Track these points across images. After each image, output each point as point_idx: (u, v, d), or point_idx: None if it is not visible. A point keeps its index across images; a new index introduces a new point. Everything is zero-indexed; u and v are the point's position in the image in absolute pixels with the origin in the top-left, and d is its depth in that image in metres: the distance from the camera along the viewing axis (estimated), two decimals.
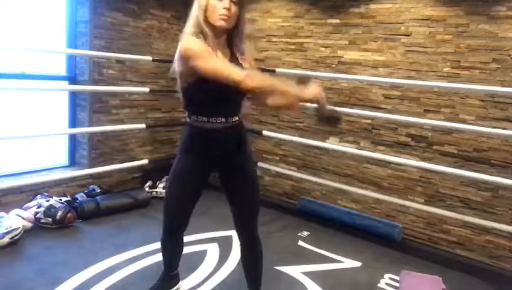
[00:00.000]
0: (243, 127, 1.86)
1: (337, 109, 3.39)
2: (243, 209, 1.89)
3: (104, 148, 3.69)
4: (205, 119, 1.73)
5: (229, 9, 1.62)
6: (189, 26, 1.68)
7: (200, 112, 1.74)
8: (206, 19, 1.65)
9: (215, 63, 1.58)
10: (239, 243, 1.99)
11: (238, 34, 1.72)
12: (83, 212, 3.11)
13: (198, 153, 1.80)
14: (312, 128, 3.80)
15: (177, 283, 2.23)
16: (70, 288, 2.20)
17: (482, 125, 2.87)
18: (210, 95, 1.68)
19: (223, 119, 1.74)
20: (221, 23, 1.63)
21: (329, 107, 1.62)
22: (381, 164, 3.44)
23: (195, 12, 1.67)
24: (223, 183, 1.91)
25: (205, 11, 1.64)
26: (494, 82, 2.88)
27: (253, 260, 1.99)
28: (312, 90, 1.55)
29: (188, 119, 1.80)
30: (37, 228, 2.89)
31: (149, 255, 2.65)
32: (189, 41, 1.62)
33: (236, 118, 1.79)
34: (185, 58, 1.60)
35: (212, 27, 1.65)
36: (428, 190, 3.24)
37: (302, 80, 1.63)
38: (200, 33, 1.65)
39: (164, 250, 2.09)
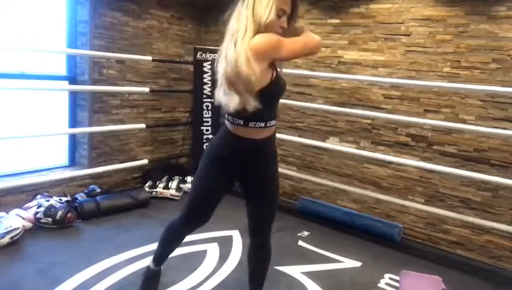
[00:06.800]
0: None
1: (337, 108, 3.42)
2: (255, 214, 1.88)
3: (104, 148, 3.69)
4: None
5: (285, 26, 1.66)
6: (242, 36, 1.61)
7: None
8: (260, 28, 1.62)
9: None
10: (249, 242, 1.96)
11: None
12: (83, 212, 3.11)
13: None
14: (312, 128, 3.80)
15: (159, 277, 2.12)
16: (70, 288, 2.20)
17: (482, 125, 2.87)
18: None
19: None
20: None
21: None
22: (381, 164, 3.44)
23: (249, 23, 1.61)
24: (242, 185, 1.89)
25: (263, 24, 1.59)
26: (494, 82, 2.88)
27: (258, 263, 1.99)
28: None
29: None
30: (37, 228, 2.89)
31: (149, 255, 2.63)
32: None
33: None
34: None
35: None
36: (428, 190, 3.24)
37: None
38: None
39: (169, 238, 1.99)
